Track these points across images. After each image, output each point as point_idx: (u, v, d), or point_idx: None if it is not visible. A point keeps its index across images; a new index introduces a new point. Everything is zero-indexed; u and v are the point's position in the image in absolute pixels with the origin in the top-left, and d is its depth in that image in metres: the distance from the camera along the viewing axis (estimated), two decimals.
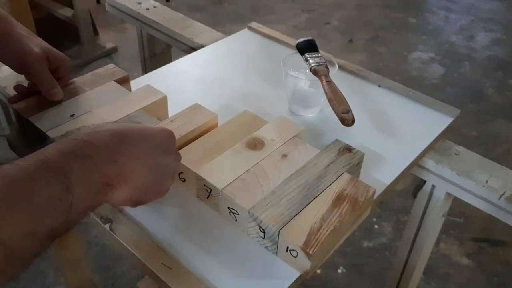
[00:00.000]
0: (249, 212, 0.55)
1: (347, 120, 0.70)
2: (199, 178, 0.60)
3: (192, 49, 1.03)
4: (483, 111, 2.24)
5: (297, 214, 0.55)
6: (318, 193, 0.58)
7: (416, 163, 0.75)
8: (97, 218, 0.60)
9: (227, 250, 0.57)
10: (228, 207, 0.58)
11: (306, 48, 0.81)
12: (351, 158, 0.64)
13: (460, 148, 0.79)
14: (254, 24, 1.05)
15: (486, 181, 0.73)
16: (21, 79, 0.85)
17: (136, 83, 0.80)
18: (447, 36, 2.86)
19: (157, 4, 1.18)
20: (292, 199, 0.57)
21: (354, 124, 0.71)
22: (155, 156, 0.51)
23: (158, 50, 1.22)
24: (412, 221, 0.89)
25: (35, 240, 0.38)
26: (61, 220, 0.40)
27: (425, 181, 0.81)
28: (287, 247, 0.54)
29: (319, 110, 0.80)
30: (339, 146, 0.65)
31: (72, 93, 0.72)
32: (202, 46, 1.00)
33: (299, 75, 0.81)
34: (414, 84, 2.22)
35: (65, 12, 2.33)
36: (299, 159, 0.63)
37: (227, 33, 1.05)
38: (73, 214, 0.41)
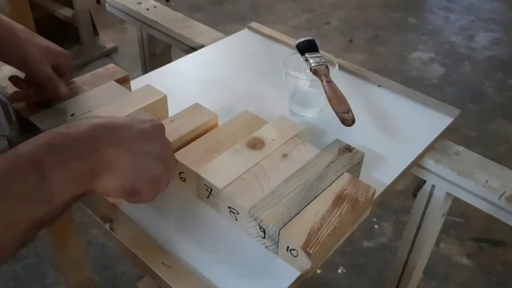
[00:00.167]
0: (249, 211, 0.55)
1: (347, 120, 0.70)
2: (199, 178, 0.60)
3: (192, 49, 1.03)
4: (483, 111, 2.24)
5: (297, 214, 0.55)
6: (318, 193, 0.58)
7: (416, 163, 0.76)
8: (98, 218, 0.60)
9: (227, 250, 0.57)
10: (229, 207, 0.58)
11: (306, 48, 0.81)
12: (351, 158, 0.64)
13: (460, 148, 0.79)
14: (254, 24, 1.05)
15: (486, 181, 0.73)
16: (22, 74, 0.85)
17: (136, 83, 0.80)
18: (447, 36, 2.87)
19: (157, 4, 1.19)
20: (292, 198, 0.57)
21: (354, 124, 0.71)
22: (139, 142, 0.50)
23: (158, 50, 1.22)
24: (412, 221, 0.89)
25: (16, 228, 0.39)
26: (43, 209, 0.40)
27: (425, 181, 0.81)
28: (288, 247, 0.54)
29: (319, 110, 0.80)
30: (339, 146, 0.66)
31: (72, 93, 0.72)
32: (202, 46, 1.00)
33: (299, 75, 0.81)
34: (414, 84, 2.22)
35: (65, 12, 2.33)
36: (299, 159, 0.63)
37: (227, 33, 1.05)
38: (56, 203, 0.41)
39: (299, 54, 0.82)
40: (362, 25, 2.94)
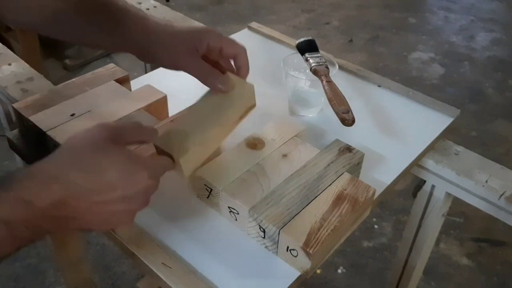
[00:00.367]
0: (249, 211, 0.55)
1: (347, 120, 0.70)
2: (199, 178, 0.60)
3: None
4: (483, 111, 2.24)
5: (297, 214, 0.55)
6: (318, 193, 0.58)
7: (416, 163, 0.76)
8: None
9: (227, 250, 0.57)
10: (229, 207, 0.58)
11: (306, 48, 0.81)
12: (351, 158, 0.64)
13: (460, 148, 0.79)
14: (254, 24, 1.05)
15: (486, 181, 0.73)
16: (21, 78, 0.85)
17: (136, 83, 0.80)
18: (447, 36, 2.86)
19: (157, 4, 1.18)
20: (292, 198, 0.57)
21: (354, 124, 0.71)
22: (116, 204, 0.46)
23: None
24: (412, 221, 0.89)
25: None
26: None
27: (425, 181, 0.81)
28: (287, 247, 0.54)
29: (319, 110, 0.80)
30: (339, 146, 0.66)
31: (72, 93, 0.72)
32: None
33: (299, 75, 0.81)
34: (414, 84, 2.23)
35: None
36: (299, 159, 0.63)
37: (227, 33, 1.05)
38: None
39: (299, 54, 0.82)
40: (362, 25, 2.93)
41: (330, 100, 0.73)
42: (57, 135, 0.63)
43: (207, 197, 0.61)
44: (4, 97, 0.87)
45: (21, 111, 0.68)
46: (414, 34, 2.87)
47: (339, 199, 0.57)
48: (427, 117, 0.81)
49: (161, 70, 0.91)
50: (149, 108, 0.70)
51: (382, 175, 0.68)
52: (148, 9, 1.15)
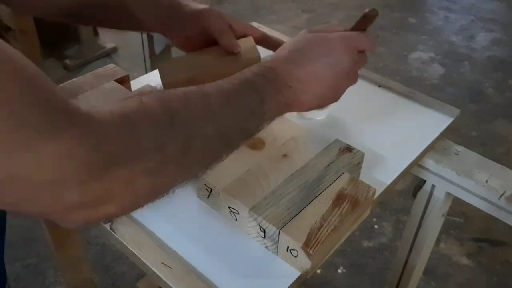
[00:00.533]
0: (249, 211, 0.55)
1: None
2: (199, 178, 0.60)
3: None
4: (483, 111, 2.24)
5: (297, 214, 0.55)
6: (319, 193, 0.58)
7: (416, 163, 0.76)
8: None
9: (227, 250, 0.57)
10: (229, 207, 0.58)
11: None
12: (351, 158, 0.64)
13: (460, 148, 0.79)
14: (254, 24, 1.05)
15: (486, 181, 0.73)
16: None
17: (136, 83, 0.80)
18: (447, 36, 2.87)
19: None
20: (293, 198, 0.57)
21: (354, 124, 0.70)
22: (327, 69, 0.56)
23: (158, 50, 1.22)
24: (412, 221, 0.89)
25: (244, 135, 0.50)
26: (255, 124, 0.51)
27: (425, 181, 0.81)
28: (288, 247, 0.54)
29: (328, 113, 0.79)
30: (339, 146, 0.66)
31: (72, 93, 0.72)
32: None
33: None
34: (414, 84, 2.23)
35: None
36: (299, 159, 0.63)
37: None
38: (265, 120, 0.52)
39: None
40: None
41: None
42: None
43: (207, 197, 0.61)
44: None
45: None
46: (414, 34, 2.87)
47: (339, 199, 0.57)
48: (427, 117, 0.81)
49: None
50: None
51: (382, 175, 0.68)
52: None
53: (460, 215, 1.69)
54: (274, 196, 0.57)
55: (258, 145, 0.65)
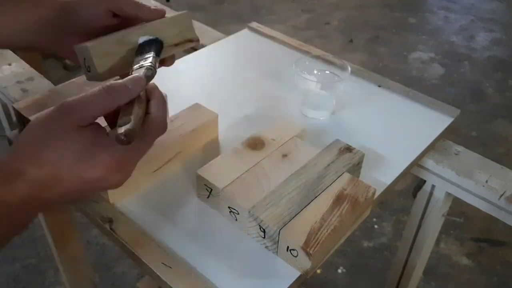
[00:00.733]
0: (249, 211, 0.55)
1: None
2: (199, 178, 0.60)
3: (192, 49, 1.03)
4: (483, 111, 2.24)
5: (297, 214, 0.55)
6: (319, 193, 0.58)
7: (416, 163, 0.76)
8: (98, 218, 0.60)
9: (227, 250, 0.57)
10: (229, 207, 0.58)
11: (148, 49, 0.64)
12: (351, 158, 0.64)
13: (460, 148, 0.79)
14: (254, 24, 1.05)
15: (486, 181, 0.73)
16: (21, 78, 0.85)
17: None
18: (447, 36, 2.87)
19: (157, 4, 1.18)
20: (293, 199, 0.57)
21: (354, 124, 0.70)
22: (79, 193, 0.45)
23: None
24: (412, 221, 0.89)
25: None
26: None
27: (425, 181, 0.81)
28: (288, 247, 0.54)
29: (330, 113, 0.79)
30: (339, 146, 0.66)
31: (72, 93, 0.72)
32: (202, 46, 1.00)
33: (311, 78, 0.80)
34: (414, 84, 2.23)
35: None
36: (300, 159, 0.63)
37: (227, 33, 1.05)
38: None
39: (311, 57, 0.81)
40: (362, 25, 2.94)
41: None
42: None
43: (207, 197, 0.61)
44: (4, 97, 0.87)
45: (21, 111, 0.68)
46: (414, 34, 2.87)
47: (339, 199, 0.57)
48: (427, 117, 0.81)
49: (161, 70, 0.91)
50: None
51: (382, 175, 0.68)
52: None
53: (460, 215, 1.69)
54: (274, 196, 0.57)
55: (258, 145, 0.65)
